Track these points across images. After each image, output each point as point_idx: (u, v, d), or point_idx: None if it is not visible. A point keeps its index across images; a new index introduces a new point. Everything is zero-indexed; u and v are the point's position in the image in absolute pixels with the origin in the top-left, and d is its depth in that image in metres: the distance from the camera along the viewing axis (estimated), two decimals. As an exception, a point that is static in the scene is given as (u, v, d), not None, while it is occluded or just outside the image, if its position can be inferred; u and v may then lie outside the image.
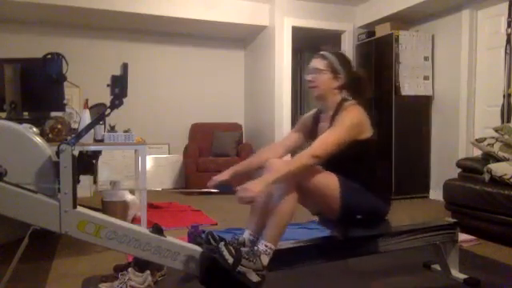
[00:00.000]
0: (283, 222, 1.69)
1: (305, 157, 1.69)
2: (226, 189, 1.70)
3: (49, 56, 2.66)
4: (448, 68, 4.68)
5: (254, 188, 1.58)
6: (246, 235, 1.84)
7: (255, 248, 1.65)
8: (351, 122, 1.79)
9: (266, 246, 1.65)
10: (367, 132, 1.86)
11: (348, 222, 1.85)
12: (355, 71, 1.97)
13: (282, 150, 2.06)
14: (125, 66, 1.60)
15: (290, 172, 1.66)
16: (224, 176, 1.96)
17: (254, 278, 1.59)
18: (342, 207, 1.77)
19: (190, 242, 1.81)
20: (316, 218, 3.45)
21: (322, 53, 1.94)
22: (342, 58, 1.94)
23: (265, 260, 1.63)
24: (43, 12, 4.76)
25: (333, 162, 1.78)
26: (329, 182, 1.77)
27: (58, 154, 1.45)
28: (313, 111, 2.10)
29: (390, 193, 1.96)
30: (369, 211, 1.84)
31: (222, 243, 1.62)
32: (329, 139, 1.74)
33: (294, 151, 2.06)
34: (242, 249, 1.63)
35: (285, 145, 2.09)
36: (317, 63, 1.91)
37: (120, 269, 2.07)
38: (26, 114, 2.73)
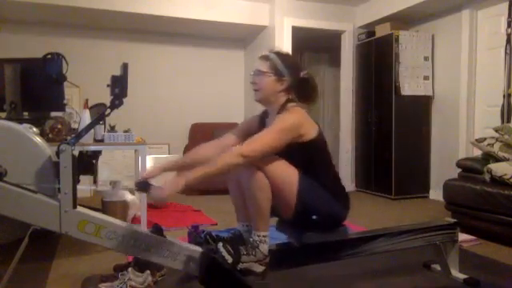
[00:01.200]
0: (263, 207, 1.66)
1: (232, 155, 1.59)
2: (144, 186, 1.60)
3: (49, 56, 2.66)
4: (448, 68, 4.68)
5: (171, 186, 1.51)
6: (240, 227, 1.85)
7: (251, 240, 1.66)
8: (288, 122, 1.70)
9: (259, 235, 1.66)
10: (310, 133, 1.75)
11: (304, 222, 1.76)
12: (301, 73, 1.86)
13: (219, 151, 1.86)
14: (125, 66, 1.60)
15: (212, 171, 1.58)
16: (154, 172, 1.81)
17: (258, 268, 1.60)
18: (299, 203, 1.69)
19: (190, 242, 1.81)
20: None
21: (265, 54, 1.86)
22: (287, 60, 1.85)
23: (264, 248, 1.65)
24: (43, 12, 4.75)
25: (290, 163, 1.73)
26: (288, 174, 1.69)
27: (57, 154, 1.45)
28: (260, 112, 2.03)
29: (347, 197, 1.88)
30: (326, 212, 1.75)
31: (220, 244, 1.62)
32: (261, 139, 1.65)
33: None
34: (240, 247, 1.64)
35: (222, 145, 1.94)
36: (260, 65, 1.84)
37: (120, 269, 2.08)
38: (26, 114, 2.72)
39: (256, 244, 1.64)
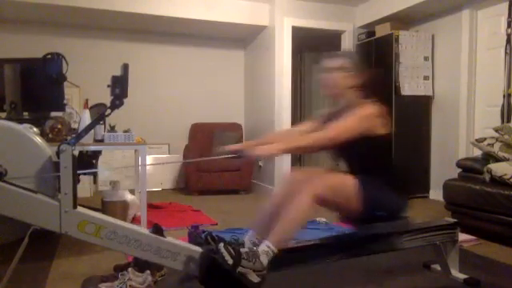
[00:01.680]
0: (292, 229, 1.70)
1: (321, 137, 1.77)
2: (239, 154, 1.77)
3: (49, 56, 2.66)
4: (448, 68, 4.68)
5: (267, 149, 1.67)
6: (249, 236, 1.85)
7: (255, 248, 1.65)
8: (364, 113, 1.82)
9: (269, 247, 1.65)
10: (381, 129, 1.87)
11: (369, 218, 1.86)
12: (369, 71, 1.99)
13: (307, 130, 2.08)
14: (125, 67, 1.60)
15: (303, 146, 1.76)
16: (236, 147, 1.97)
17: (255, 278, 1.59)
18: (364, 206, 1.78)
19: (190, 242, 1.81)
20: (319, 218, 3.46)
21: (336, 52, 2.03)
22: (357, 58, 1.98)
23: (265, 260, 1.63)
24: (43, 12, 4.76)
25: (352, 159, 1.86)
26: (347, 184, 1.79)
27: (58, 154, 1.45)
28: (330, 109, 2.14)
29: (406, 189, 1.98)
30: (389, 207, 1.87)
31: (222, 244, 1.61)
32: (344, 124, 1.79)
33: None
34: (242, 249, 1.63)
35: (299, 130, 2.12)
36: (331, 63, 1.95)
37: (120, 269, 2.08)
38: (26, 114, 2.72)
39: (258, 253, 1.63)
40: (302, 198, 1.69)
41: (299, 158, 6.73)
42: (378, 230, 1.95)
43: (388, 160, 1.98)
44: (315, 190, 1.70)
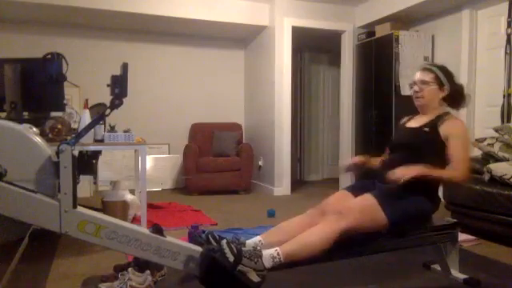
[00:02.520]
0: (307, 251, 1.72)
1: (457, 174, 1.92)
2: (378, 174, 1.96)
3: (49, 56, 2.66)
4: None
5: (408, 172, 1.78)
6: (254, 240, 1.85)
7: (259, 248, 1.66)
8: (467, 133, 2.03)
9: (278, 254, 1.66)
10: None
11: (399, 229, 1.93)
12: (457, 84, 2.14)
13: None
14: (125, 66, 1.60)
15: (441, 177, 1.95)
16: (359, 161, 2.24)
17: (255, 278, 1.59)
18: (391, 223, 1.85)
19: (190, 242, 1.81)
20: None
21: (428, 66, 2.14)
22: (446, 71, 2.12)
23: (267, 263, 1.63)
24: (43, 12, 4.76)
25: (399, 156, 2.01)
26: (374, 210, 1.84)
27: (58, 154, 1.45)
28: (410, 116, 2.29)
29: (436, 191, 2.06)
30: (416, 215, 1.95)
31: (224, 240, 1.62)
32: (464, 157, 1.96)
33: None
34: (244, 248, 1.63)
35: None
36: (424, 76, 2.10)
37: (120, 269, 2.07)
38: (26, 114, 2.72)
39: (260, 254, 1.63)
40: (327, 228, 1.74)
41: (299, 158, 6.73)
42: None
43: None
44: (344, 227, 1.75)
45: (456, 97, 2.12)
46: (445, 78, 2.10)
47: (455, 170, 1.93)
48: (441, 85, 2.09)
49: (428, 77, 2.09)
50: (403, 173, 1.78)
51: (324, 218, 1.82)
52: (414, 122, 2.18)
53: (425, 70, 2.13)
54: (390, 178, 1.79)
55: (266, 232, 1.95)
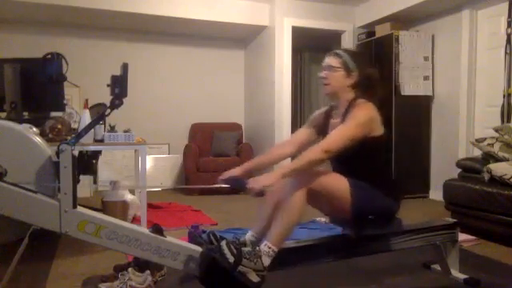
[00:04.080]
0: (289, 226, 1.69)
1: (316, 152, 1.72)
2: (238, 183, 1.73)
3: (49, 56, 2.66)
4: (448, 68, 4.68)
5: (265, 180, 1.63)
6: (249, 236, 1.85)
7: (257, 248, 1.66)
8: (364, 118, 1.80)
9: (269, 247, 1.65)
10: (378, 130, 1.86)
11: (360, 222, 1.85)
12: (368, 70, 1.97)
13: (293, 147, 2.06)
14: (125, 66, 1.60)
15: (300, 166, 1.70)
16: (236, 172, 1.94)
17: (255, 278, 1.59)
18: (354, 209, 1.77)
19: (190, 242, 1.81)
20: (318, 218, 3.45)
21: (336, 51, 1.96)
22: (356, 56, 1.96)
23: (266, 261, 1.63)
24: (43, 12, 4.76)
25: (342, 159, 1.81)
26: (339, 184, 1.77)
27: (57, 154, 1.45)
28: (325, 108, 2.11)
29: (398, 190, 1.95)
30: (380, 210, 1.85)
31: (224, 241, 1.62)
32: (340, 134, 1.76)
33: (304, 147, 2.05)
34: (243, 249, 1.63)
35: (295, 141, 2.09)
36: (331, 61, 1.93)
37: (120, 269, 2.07)
38: (25, 114, 2.72)
39: (259, 253, 1.63)
40: (295, 195, 1.68)
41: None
42: (380, 230, 1.94)
43: (380, 161, 1.95)
44: (307, 185, 1.69)
45: (366, 84, 1.94)
46: (353, 63, 1.91)
47: (317, 146, 1.75)
48: (349, 71, 1.90)
49: (335, 62, 1.91)
50: (262, 182, 1.63)
51: (292, 186, 1.72)
52: (336, 117, 1.98)
53: (332, 54, 1.94)
54: (253, 190, 1.64)
55: (255, 224, 1.92)
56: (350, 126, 1.78)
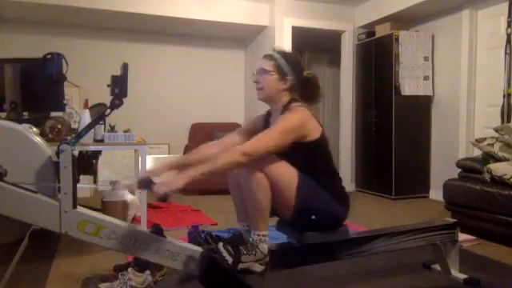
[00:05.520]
0: (263, 206, 1.65)
1: (235, 154, 1.60)
2: (146, 183, 1.62)
3: (49, 56, 2.66)
4: (448, 68, 4.68)
5: (173, 183, 1.51)
6: (241, 227, 1.86)
7: (250, 239, 1.67)
8: (291, 123, 1.69)
9: (259, 234, 1.66)
10: (313, 134, 1.75)
11: (303, 222, 1.75)
12: (304, 73, 1.86)
13: (222, 149, 1.87)
14: (125, 66, 1.60)
15: (215, 169, 1.60)
16: (155, 171, 1.79)
17: (258, 268, 1.60)
18: (298, 203, 1.69)
19: (190, 242, 1.81)
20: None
21: (269, 53, 1.86)
22: (291, 59, 1.84)
23: (264, 248, 1.65)
24: (43, 12, 4.76)
25: (289, 163, 1.73)
26: (287, 174, 1.69)
27: (57, 154, 1.45)
28: (264, 112, 2.01)
29: (347, 198, 1.83)
30: (325, 212, 1.75)
31: (221, 244, 1.62)
32: (264, 139, 1.66)
33: None
34: (240, 246, 1.64)
35: (224, 145, 1.93)
36: (264, 64, 1.82)
37: (120, 269, 2.08)
38: (25, 114, 2.73)
39: (255, 243, 1.64)
40: (253, 176, 1.61)
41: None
42: (326, 238, 1.80)
43: (327, 166, 1.83)
44: (260, 167, 1.62)
45: (303, 88, 1.85)
46: (288, 66, 1.80)
47: (238, 147, 1.63)
48: (283, 74, 1.80)
49: (268, 65, 1.81)
50: (168, 186, 1.51)
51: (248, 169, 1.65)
52: (273, 123, 1.86)
53: (265, 57, 1.84)
54: (158, 193, 1.51)
55: (237, 214, 1.91)
56: (274, 131, 1.68)
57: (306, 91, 1.87)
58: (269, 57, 1.84)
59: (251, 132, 1.90)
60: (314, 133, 1.76)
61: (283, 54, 1.85)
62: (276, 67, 1.81)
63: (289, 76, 1.81)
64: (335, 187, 1.82)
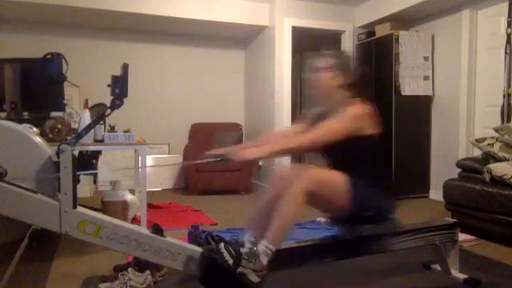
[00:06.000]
0: (287, 226, 1.69)
1: (307, 137, 1.75)
2: (223, 158, 1.74)
3: (49, 56, 2.66)
4: (448, 68, 4.68)
5: (250, 153, 1.65)
6: (247, 236, 1.85)
7: (255, 248, 1.65)
8: (354, 114, 1.80)
9: (267, 247, 1.64)
10: (371, 129, 1.85)
11: (357, 219, 1.84)
12: (356, 69, 1.99)
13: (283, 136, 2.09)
14: (125, 67, 1.60)
15: (288, 149, 1.74)
16: (222, 150, 1.92)
17: (254, 278, 1.59)
18: (351, 204, 1.76)
19: (190, 242, 1.81)
20: (319, 218, 3.45)
21: (323, 52, 1.97)
22: (343, 57, 1.97)
23: (264, 260, 1.63)
24: (43, 12, 4.76)
25: (336, 158, 1.83)
26: (336, 182, 1.77)
27: (58, 154, 1.45)
28: (319, 109, 2.11)
29: (392, 191, 1.97)
30: (377, 208, 1.85)
31: (222, 244, 1.62)
32: (329, 126, 1.77)
33: None
34: (242, 249, 1.63)
35: (293, 131, 2.10)
36: (319, 62, 1.93)
37: (120, 269, 2.08)
38: (25, 114, 2.73)
39: (258, 253, 1.63)
40: (291, 194, 1.67)
41: (299, 158, 6.73)
42: (378, 230, 1.94)
43: (377, 161, 1.95)
44: (303, 184, 1.68)
45: (354, 83, 1.97)
46: (341, 63, 1.94)
47: (311, 132, 1.78)
48: (337, 71, 1.92)
49: (323, 63, 1.93)
50: (247, 155, 1.67)
51: (288, 184, 1.73)
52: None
53: (319, 56, 1.97)
54: (232, 158, 1.68)
55: (251, 223, 1.92)
56: (338, 119, 1.78)
57: (356, 85, 1.97)
58: (322, 55, 1.96)
59: (308, 124, 2.04)
60: (371, 128, 1.86)
61: (335, 52, 2.00)
62: (330, 65, 1.92)
63: (342, 73, 1.92)
64: (382, 182, 1.93)
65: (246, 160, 1.67)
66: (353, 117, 1.79)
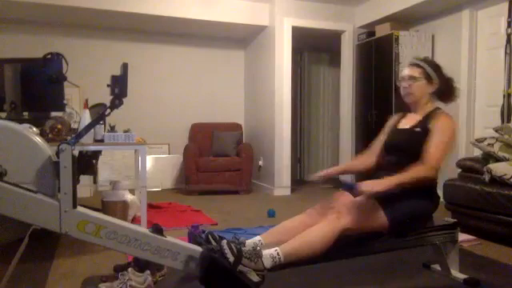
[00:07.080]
0: (306, 251, 1.71)
1: (426, 169, 1.86)
2: (347, 185, 1.95)
3: (49, 56, 2.66)
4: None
5: (376, 185, 1.74)
6: (254, 240, 1.85)
7: (258, 248, 1.66)
8: (453, 130, 2.02)
9: (278, 253, 1.66)
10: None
11: (399, 230, 1.91)
12: (446, 77, 2.13)
13: (373, 157, 2.27)
14: (125, 66, 1.60)
15: (405, 181, 1.81)
16: (333, 171, 2.20)
17: (255, 277, 1.59)
18: (391, 223, 1.85)
19: (190, 242, 1.81)
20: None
21: (415, 61, 2.12)
22: (434, 65, 2.11)
23: (268, 263, 1.63)
24: (43, 12, 4.76)
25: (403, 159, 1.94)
26: (374, 216, 1.84)
27: (57, 154, 1.45)
28: (400, 113, 2.34)
29: (435, 189, 2.05)
30: (416, 215, 1.93)
31: (225, 241, 1.62)
32: (440, 150, 1.92)
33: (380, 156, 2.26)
34: (244, 248, 1.63)
35: (373, 152, 2.29)
36: (412, 71, 2.08)
37: (120, 269, 2.08)
38: (25, 113, 2.73)
39: (260, 254, 1.63)
40: (327, 227, 1.74)
41: (299, 158, 6.73)
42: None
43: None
44: (344, 225, 1.75)
45: (446, 90, 2.12)
46: (433, 71, 2.08)
47: (423, 164, 1.88)
48: (429, 79, 2.08)
49: (416, 72, 2.08)
50: (371, 186, 1.76)
51: (324, 218, 1.82)
52: (405, 122, 2.20)
53: (412, 65, 2.12)
54: (360, 190, 1.76)
55: (265, 232, 1.95)
56: (444, 141, 1.95)
57: (447, 92, 2.14)
58: (415, 64, 2.10)
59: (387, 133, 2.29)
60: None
61: (426, 61, 2.13)
62: (423, 73, 2.07)
63: (434, 80, 2.08)
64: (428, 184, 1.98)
65: (373, 192, 1.75)
66: (452, 136, 1.99)
